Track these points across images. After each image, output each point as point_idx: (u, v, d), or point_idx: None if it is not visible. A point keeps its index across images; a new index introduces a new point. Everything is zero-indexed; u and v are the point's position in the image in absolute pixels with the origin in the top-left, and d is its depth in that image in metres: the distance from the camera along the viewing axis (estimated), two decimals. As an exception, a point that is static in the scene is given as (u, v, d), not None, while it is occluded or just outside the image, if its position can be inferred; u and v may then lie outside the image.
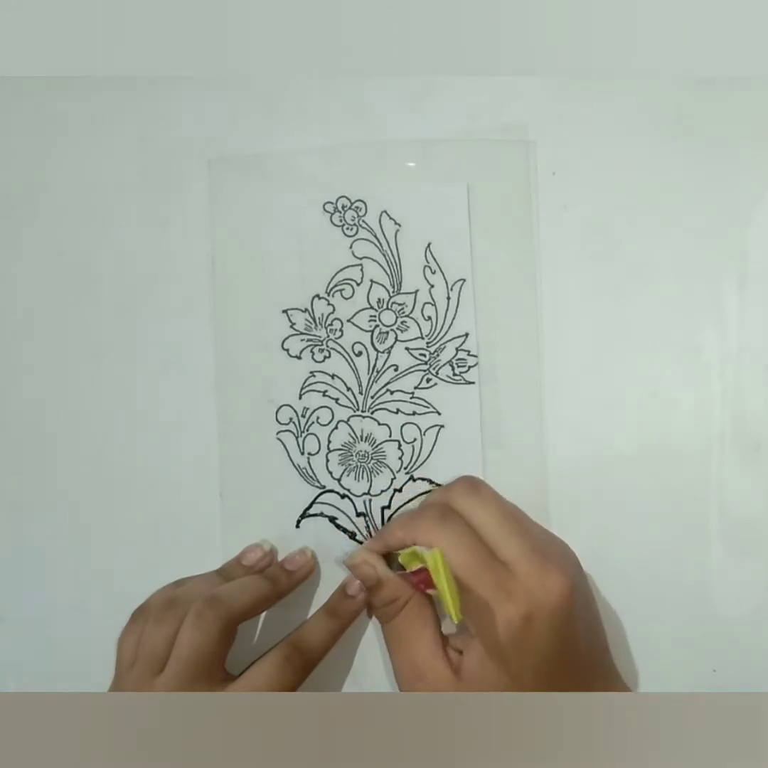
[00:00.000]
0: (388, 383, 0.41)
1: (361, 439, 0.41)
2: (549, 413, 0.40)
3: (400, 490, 0.41)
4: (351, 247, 0.41)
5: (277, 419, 0.42)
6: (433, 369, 0.41)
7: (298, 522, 0.41)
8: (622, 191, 0.40)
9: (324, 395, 0.41)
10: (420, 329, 0.41)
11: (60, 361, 0.43)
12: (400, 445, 0.41)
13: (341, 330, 0.41)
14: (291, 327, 0.42)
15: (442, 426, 0.41)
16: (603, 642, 0.38)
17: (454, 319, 0.41)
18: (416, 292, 0.41)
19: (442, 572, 0.35)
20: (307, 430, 0.42)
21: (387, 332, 0.41)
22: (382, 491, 0.41)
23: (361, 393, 0.41)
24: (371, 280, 0.41)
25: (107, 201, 0.43)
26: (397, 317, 0.41)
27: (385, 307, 0.41)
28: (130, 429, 0.43)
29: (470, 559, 0.35)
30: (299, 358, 0.42)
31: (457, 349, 0.41)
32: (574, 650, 0.35)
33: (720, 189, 0.40)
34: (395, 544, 0.37)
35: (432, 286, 0.41)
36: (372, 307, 0.41)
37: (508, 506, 0.38)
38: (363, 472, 0.41)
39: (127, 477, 0.43)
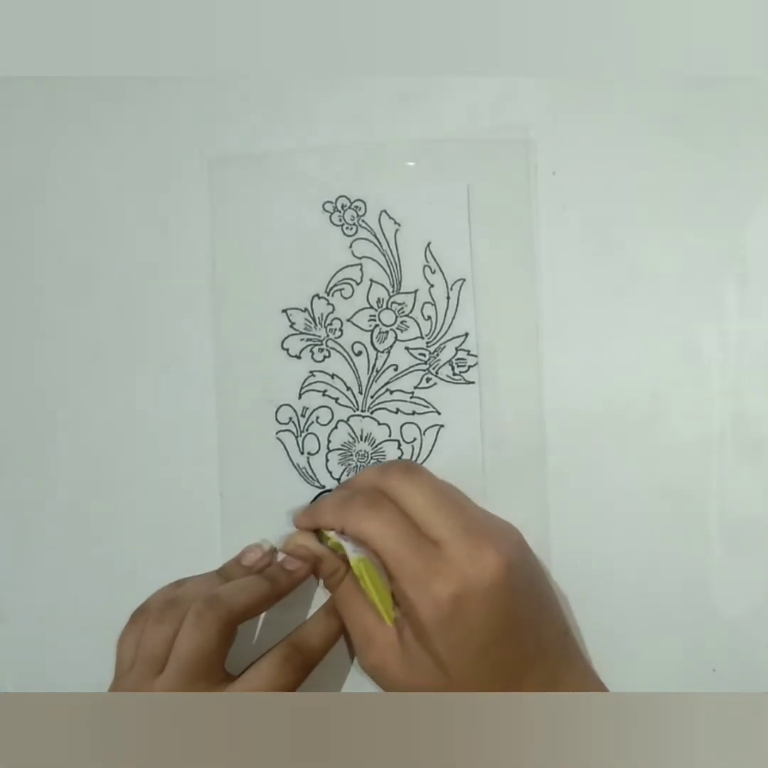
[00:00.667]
0: (387, 383, 0.41)
1: (361, 439, 0.41)
2: (549, 413, 0.40)
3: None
4: (350, 246, 0.41)
5: (276, 419, 0.42)
6: (433, 369, 0.41)
7: (298, 522, 0.41)
8: (622, 191, 0.40)
9: (324, 395, 0.41)
10: (420, 329, 0.41)
11: (60, 361, 0.43)
12: (399, 445, 0.41)
13: (341, 330, 0.41)
14: (291, 327, 0.42)
15: (441, 426, 0.41)
16: (559, 625, 0.38)
17: (453, 318, 0.41)
18: (416, 291, 0.41)
19: (368, 579, 0.36)
20: (307, 430, 0.42)
21: (387, 332, 0.41)
22: (382, 491, 0.41)
23: (360, 393, 0.41)
24: (371, 280, 0.41)
25: (107, 201, 0.43)
26: (396, 317, 0.41)
27: (384, 306, 0.41)
28: (130, 429, 0.43)
29: (399, 547, 0.35)
30: (299, 357, 0.42)
31: (457, 349, 0.41)
32: (516, 629, 0.35)
33: (720, 189, 0.40)
34: (324, 526, 0.38)
35: (432, 286, 0.41)
36: (372, 307, 0.41)
37: (442, 488, 0.38)
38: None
39: (127, 477, 0.43)
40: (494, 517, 0.39)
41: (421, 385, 0.41)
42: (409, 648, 0.36)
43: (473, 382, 0.41)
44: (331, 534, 0.38)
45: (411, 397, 0.41)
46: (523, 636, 0.35)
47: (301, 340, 0.42)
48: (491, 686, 0.35)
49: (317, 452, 0.42)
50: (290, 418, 0.42)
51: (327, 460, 0.41)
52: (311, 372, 0.42)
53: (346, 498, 0.38)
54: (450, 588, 0.34)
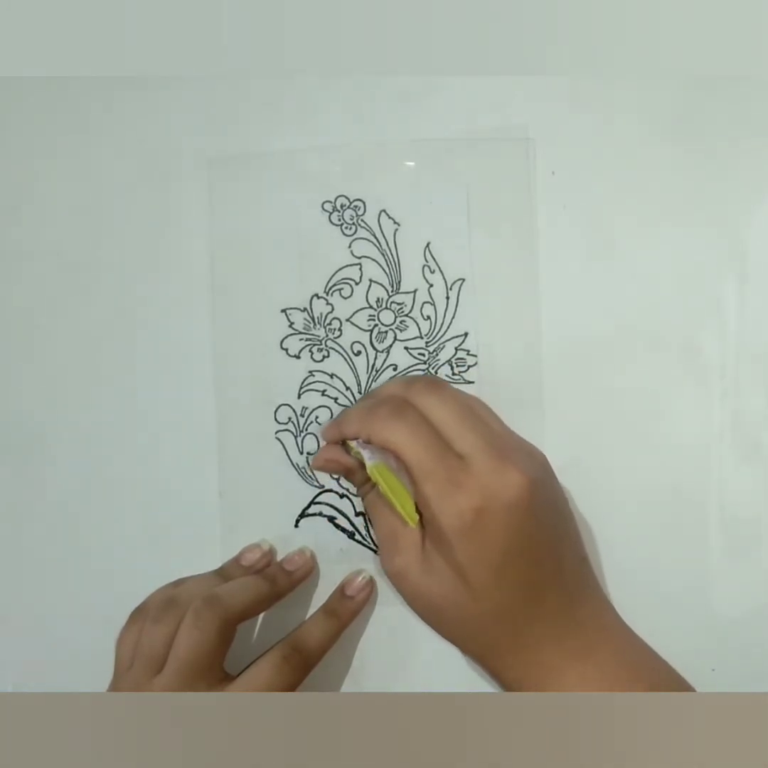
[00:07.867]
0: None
1: (361, 439, 0.41)
2: (549, 414, 0.40)
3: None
4: (350, 246, 0.41)
5: (275, 419, 0.42)
6: (433, 369, 0.41)
7: (297, 522, 0.41)
8: (622, 191, 0.40)
9: (323, 395, 0.41)
10: (419, 329, 0.41)
11: (59, 361, 0.43)
12: (399, 445, 0.41)
13: (340, 329, 0.41)
14: (290, 326, 0.42)
15: (441, 426, 0.41)
16: (579, 551, 0.38)
17: (453, 318, 0.41)
18: (415, 291, 0.41)
19: (385, 484, 0.36)
20: (306, 430, 0.41)
21: (386, 332, 0.41)
22: (382, 491, 0.41)
23: (360, 392, 0.41)
24: (370, 280, 0.41)
25: (106, 201, 0.43)
26: (396, 317, 0.41)
27: (384, 306, 0.41)
28: (129, 428, 0.43)
29: (424, 454, 0.35)
30: (298, 357, 0.42)
31: (456, 349, 0.41)
32: (534, 549, 0.35)
33: (720, 189, 0.40)
34: (351, 436, 0.38)
35: (431, 286, 0.41)
36: (371, 307, 0.41)
37: (468, 402, 0.38)
38: (362, 471, 0.41)
39: (127, 476, 0.43)
40: (519, 437, 0.39)
41: (420, 385, 0.41)
42: (430, 555, 0.35)
43: (473, 382, 0.41)
44: (353, 443, 0.37)
45: (410, 397, 0.41)
46: (541, 557, 0.35)
47: (301, 339, 0.42)
48: (511, 603, 0.35)
49: (316, 452, 0.41)
50: (289, 418, 0.42)
51: (326, 460, 0.41)
52: (310, 372, 0.42)
53: (371, 407, 0.37)
54: (473, 501, 0.34)
